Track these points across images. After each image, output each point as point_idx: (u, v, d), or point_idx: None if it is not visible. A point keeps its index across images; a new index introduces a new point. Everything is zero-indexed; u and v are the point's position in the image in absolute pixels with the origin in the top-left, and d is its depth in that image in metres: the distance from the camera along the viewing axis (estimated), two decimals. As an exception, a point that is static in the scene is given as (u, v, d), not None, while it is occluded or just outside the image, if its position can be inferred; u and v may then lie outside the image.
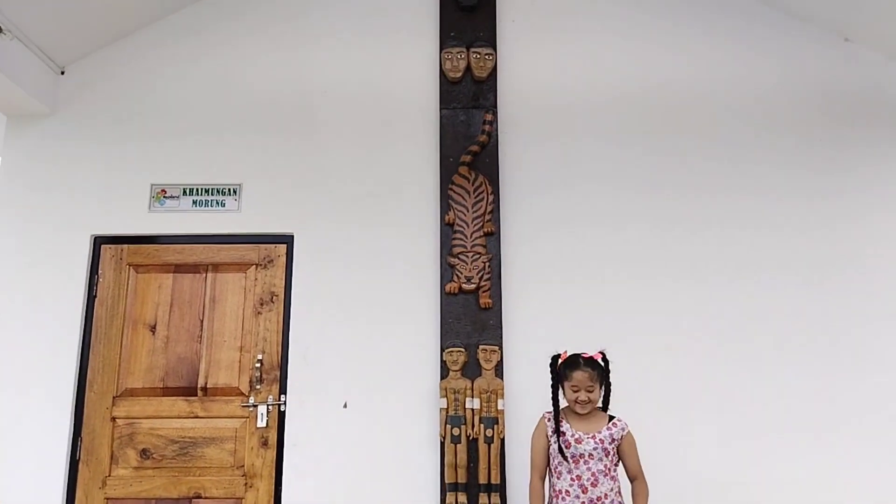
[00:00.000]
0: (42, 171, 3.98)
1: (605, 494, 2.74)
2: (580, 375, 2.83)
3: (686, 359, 3.70)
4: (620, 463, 2.86)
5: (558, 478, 2.79)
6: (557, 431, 2.82)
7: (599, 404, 2.90)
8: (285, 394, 3.68)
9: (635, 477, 2.85)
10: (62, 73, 4.11)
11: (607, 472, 2.77)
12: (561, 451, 2.79)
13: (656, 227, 3.87)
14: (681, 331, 3.74)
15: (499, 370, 3.60)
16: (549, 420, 2.88)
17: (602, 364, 2.89)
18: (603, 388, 2.89)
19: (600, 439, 2.80)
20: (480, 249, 3.74)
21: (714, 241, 3.85)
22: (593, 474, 2.76)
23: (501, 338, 3.65)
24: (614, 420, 2.87)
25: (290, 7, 4.20)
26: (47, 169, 3.98)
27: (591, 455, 2.77)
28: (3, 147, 4.03)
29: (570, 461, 2.77)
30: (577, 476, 2.76)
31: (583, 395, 2.82)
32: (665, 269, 3.82)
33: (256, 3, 4.21)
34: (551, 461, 2.84)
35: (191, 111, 4.06)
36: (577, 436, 2.81)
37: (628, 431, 2.86)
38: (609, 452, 2.79)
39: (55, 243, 3.88)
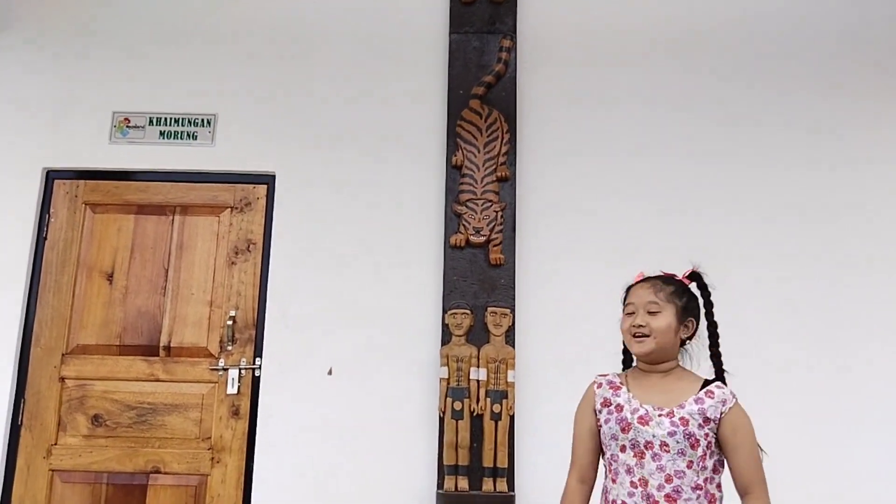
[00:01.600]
0: (-11, 94, 3.44)
1: None
2: (638, 291, 1.83)
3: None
4: (725, 462, 1.74)
5: (613, 480, 1.76)
6: (614, 405, 1.80)
7: (688, 364, 1.82)
8: (261, 357, 3.18)
9: (748, 490, 1.69)
10: (13, -19, 3.55)
11: (695, 473, 1.68)
12: (615, 435, 1.78)
13: (689, 160, 3.33)
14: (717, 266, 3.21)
15: (510, 336, 3.09)
16: (600, 386, 1.87)
17: (679, 281, 1.85)
18: (691, 322, 1.81)
19: (682, 418, 1.69)
20: (492, 196, 3.20)
21: (750, 174, 3.32)
22: (668, 476, 1.69)
23: (514, 299, 3.13)
24: (711, 387, 1.74)
25: None
26: (-5, 91, 3.44)
27: (664, 444, 1.69)
28: (-58, 64, 3.49)
29: (631, 452, 1.73)
30: (641, 479, 1.70)
31: (640, 318, 1.79)
32: (699, 205, 3.29)
33: None
34: (605, 452, 1.83)
35: (161, 29, 3.50)
36: (641, 411, 1.74)
37: (736, 405, 1.71)
38: (698, 441, 1.68)
39: (2, 178, 3.34)
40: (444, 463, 2.95)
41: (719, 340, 1.86)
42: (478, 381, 3.04)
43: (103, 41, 3.49)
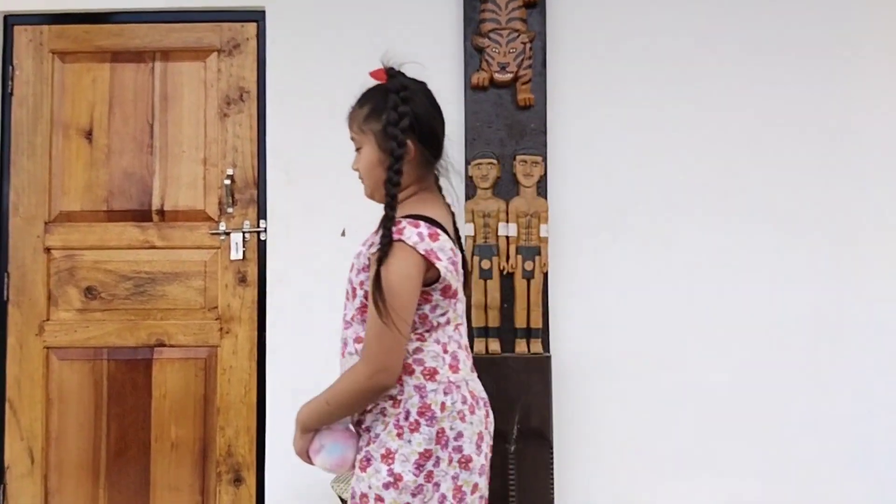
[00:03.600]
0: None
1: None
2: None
3: (789, 146, 2.83)
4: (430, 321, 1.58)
5: None
6: None
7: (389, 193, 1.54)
8: (265, 219, 2.86)
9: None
10: None
11: (360, 325, 1.58)
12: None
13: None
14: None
15: (541, 188, 2.74)
16: None
17: (375, 93, 1.59)
18: (403, 142, 1.54)
19: (352, 265, 1.62)
20: (519, 25, 2.76)
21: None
22: (346, 323, 1.63)
23: (546, 146, 2.76)
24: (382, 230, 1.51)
25: None
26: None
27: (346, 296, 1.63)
28: None
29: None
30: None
31: (355, 159, 1.65)
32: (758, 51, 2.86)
33: None
34: None
35: None
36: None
37: (382, 250, 1.47)
38: (355, 290, 1.59)
39: (-47, 24, 2.91)
40: (473, 325, 2.69)
41: (399, 166, 1.55)
42: (507, 237, 2.73)
43: None
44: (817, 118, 2.83)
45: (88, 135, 2.89)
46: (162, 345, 2.85)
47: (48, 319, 2.87)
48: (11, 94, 2.91)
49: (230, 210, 2.86)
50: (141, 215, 2.88)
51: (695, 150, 2.83)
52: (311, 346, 2.77)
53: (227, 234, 2.85)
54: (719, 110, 2.84)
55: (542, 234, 2.72)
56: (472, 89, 2.79)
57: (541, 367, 2.65)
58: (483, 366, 2.67)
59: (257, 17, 2.90)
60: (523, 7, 2.76)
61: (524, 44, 2.75)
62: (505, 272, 2.71)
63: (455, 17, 2.83)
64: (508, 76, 2.75)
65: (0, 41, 2.92)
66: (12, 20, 2.94)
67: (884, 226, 2.82)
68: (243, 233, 2.86)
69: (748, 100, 2.84)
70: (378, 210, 1.61)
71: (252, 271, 2.86)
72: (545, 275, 2.72)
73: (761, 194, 2.82)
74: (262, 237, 2.86)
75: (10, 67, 2.92)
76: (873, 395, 2.77)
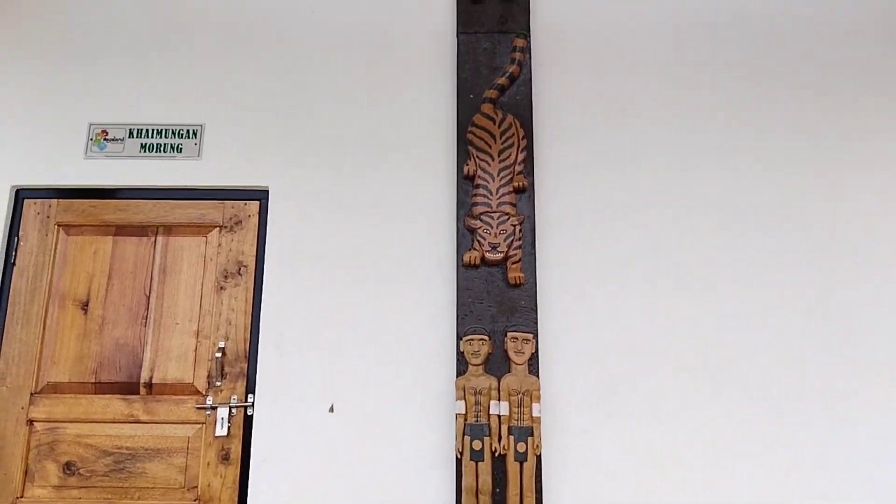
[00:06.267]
0: (-49, 105, 3.13)
1: None
2: None
3: (776, 322, 2.85)
4: None
5: None
6: None
7: None
8: (254, 393, 2.83)
9: None
10: (-18, -15, 3.26)
11: None
12: None
13: (728, 170, 3.02)
14: (746, 278, 2.89)
15: (533, 365, 2.75)
16: None
17: None
18: None
19: None
20: (509, 209, 2.89)
21: (799, 183, 3.01)
22: None
23: (536, 323, 2.80)
24: None
25: None
26: (-43, 102, 3.13)
27: None
28: None
29: None
30: None
31: None
32: (744, 215, 2.97)
33: None
34: None
35: (143, 33, 3.20)
36: None
37: None
38: None
39: (-35, 197, 3.02)
40: (464, 511, 2.60)
41: None
42: (499, 416, 2.69)
43: (82, 46, 3.19)
44: (812, 294, 2.90)
45: (84, 305, 2.93)
46: (137, 527, 2.72)
47: (22, 496, 2.76)
48: (14, 264, 2.97)
49: (219, 383, 2.84)
50: (128, 388, 2.85)
51: (685, 330, 2.86)
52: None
53: (214, 408, 2.81)
54: (708, 293, 2.90)
55: (535, 414, 2.69)
56: (464, 267, 2.86)
57: (534, 558, 2.52)
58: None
59: (260, 195, 3.03)
60: (513, 192, 2.91)
61: (514, 226, 2.87)
62: (497, 453, 2.65)
63: (448, 200, 2.97)
64: (499, 255, 2.84)
65: (9, 213, 3.03)
66: (23, 194, 3.06)
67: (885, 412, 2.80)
68: (230, 407, 2.81)
69: (740, 283, 2.92)
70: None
71: (236, 448, 2.79)
72: (538, 457, 2.66)
73: (752, 372, 2.82)
74: (249, 412, 2.81)
75: (16, 238, 3.00)
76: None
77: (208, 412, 2.81)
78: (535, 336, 2.78)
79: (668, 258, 2.92)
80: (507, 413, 2.69)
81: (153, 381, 2.85)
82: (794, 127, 3.07)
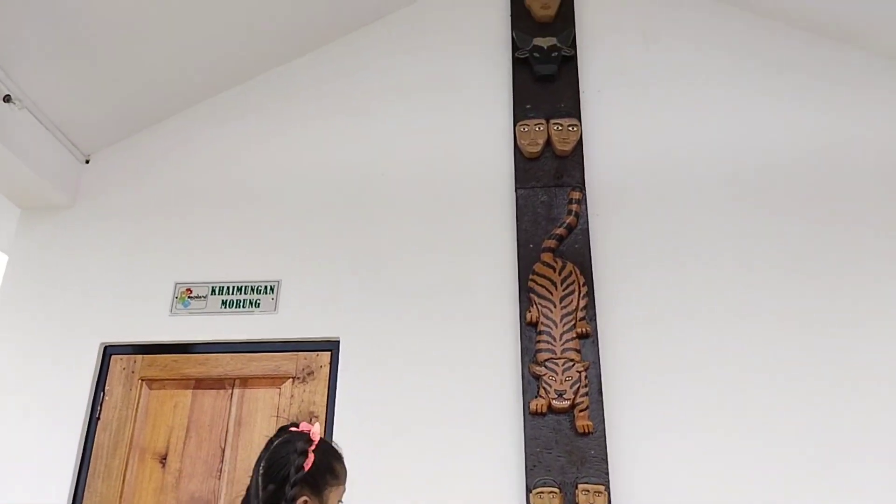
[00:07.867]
0: (54, 268, 3.41)
1: None
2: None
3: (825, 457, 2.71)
4: None
5: None
6: None
7: None
8: (323, 548, 2.80)
9: None
10: (87, 161, 3.65)
11: None
12: None
13: (792, 316, 3.02)
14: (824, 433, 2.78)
15: (607, 518, 2.68)
16: None
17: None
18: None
19: None
20: (573, 355, 2.93)
21: (863, 332, 2.97)
22: None
23: (608, 474, 2.75)
24: None
25: (340, 81, 3.71)
26: (59, 265, 3.41)
27: None
28: (13, 241, 3.51)
29: None
30: None
31: None
32: (810, 368, 2.93)
33: (302, 82, 3.74)
34: None
35: (224, 200, 3.50)
36: None
37: None
38: None
39: (58, 352, 3.22)
40: None
41: None
42: (575, 573, 2.60)
43: (169, 215, 3.48)
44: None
45: (163, 459, 3.02)
46: None
47: None
48: (98, 419, 3.12)
49: (289, 538, 2.83)
50: (201, 543, 2.87)
51: (767, 476, 2.77)
52: None
53: (285, 564, 2.78)
54: (785, 438, 2.83)
55: (612, 572, 2.58)
56: (530, 415, 2.87)
57: None
58: None
59: (331, 346, 3.16)
60: (576, 338, 2.96)
61: (579, 372, 2.89)
62: None
63: (512, 347, 3.03)
64: (566, 403, 2.85)
65: (97, 369, 3.21)
66: (110, 350, 3.26)
67: None
68: (301, 564, 2.78)
69: (814, 437, 2.84)
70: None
71: None
72: None
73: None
74: (319, 568, 2.77)
75: (102, 393, 3.16)
76: None
77: (278, 569, 2.78)
78: (607, 488, 2.73)
79: (735, 405, 2.88)
80: (583, 571, 2.60)
81: (225, 536, 2.87)
82: (855, 268, 3.08)
